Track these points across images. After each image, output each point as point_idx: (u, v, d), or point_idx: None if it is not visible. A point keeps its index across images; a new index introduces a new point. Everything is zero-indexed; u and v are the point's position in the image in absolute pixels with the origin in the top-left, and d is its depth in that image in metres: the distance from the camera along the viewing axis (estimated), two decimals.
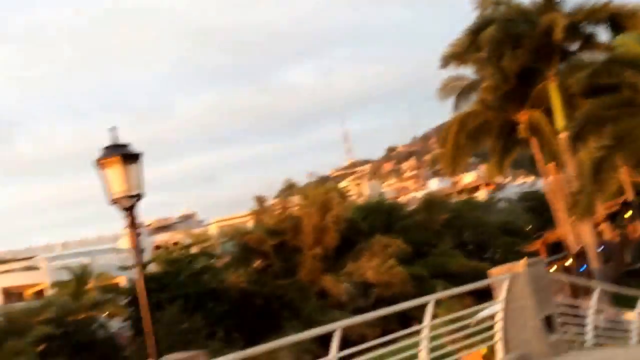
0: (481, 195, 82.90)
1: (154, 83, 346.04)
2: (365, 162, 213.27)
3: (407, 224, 57.94)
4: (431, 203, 60.89)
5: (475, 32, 27.97)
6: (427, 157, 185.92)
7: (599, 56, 28.88)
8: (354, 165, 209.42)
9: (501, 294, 10.15)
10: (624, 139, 22.25)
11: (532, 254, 50.67)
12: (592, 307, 12.76)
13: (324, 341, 8.27)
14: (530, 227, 61.46)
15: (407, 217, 59.90)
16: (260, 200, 63.15)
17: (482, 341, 10.15)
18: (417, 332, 8.65)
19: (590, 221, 29.12)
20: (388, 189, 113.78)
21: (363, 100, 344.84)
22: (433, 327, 8.81)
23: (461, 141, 31.58)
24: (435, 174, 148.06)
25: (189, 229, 73.94)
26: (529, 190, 74.54)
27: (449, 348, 9.45)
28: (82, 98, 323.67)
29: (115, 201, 6.85)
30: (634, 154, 22.18)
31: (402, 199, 79.48)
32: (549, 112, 30.03)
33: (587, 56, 29.21)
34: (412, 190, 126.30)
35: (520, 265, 10.25)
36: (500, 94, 29.09)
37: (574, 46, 29.89)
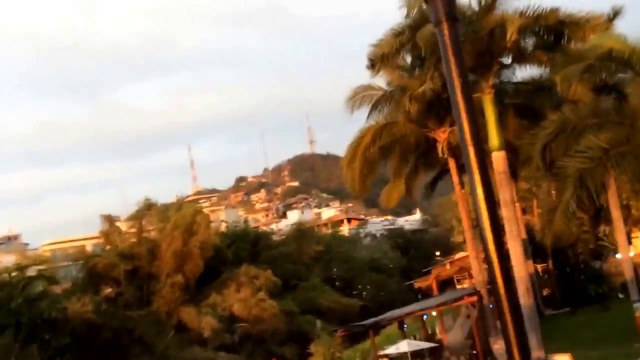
0: (344, 230, 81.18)
1: None
2: (213, 191, 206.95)
3: (275, 254, 54.19)
4: (301, 234, 57.50)
5: (413, 29, 24.35)
6: (279, 189, 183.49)
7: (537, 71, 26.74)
8: (200, 193, 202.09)
9: None
10: (609, 151, 19.40)
11: (423, 290, 48.82)
12: None
13: None
14: (399, 264, 60.03)
15: (275, 247, 56.10)
16: (110, 220, 56.50)
17: None
18: None
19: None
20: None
21: (211, 127, 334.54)
22: None
23: (373, 156, 28.15)
24: (288, 207, 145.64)
25: (16, 251, 65.06)
26: (393, 227, 73.67)
27: None
28: None
29: None
30: (629, 164, 19.22)
31: (265, 230, 75.44)
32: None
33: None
34: (263, 223, 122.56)
35: None
36: (423, 107, 25.91)
37: (507, 60, 27.13)
